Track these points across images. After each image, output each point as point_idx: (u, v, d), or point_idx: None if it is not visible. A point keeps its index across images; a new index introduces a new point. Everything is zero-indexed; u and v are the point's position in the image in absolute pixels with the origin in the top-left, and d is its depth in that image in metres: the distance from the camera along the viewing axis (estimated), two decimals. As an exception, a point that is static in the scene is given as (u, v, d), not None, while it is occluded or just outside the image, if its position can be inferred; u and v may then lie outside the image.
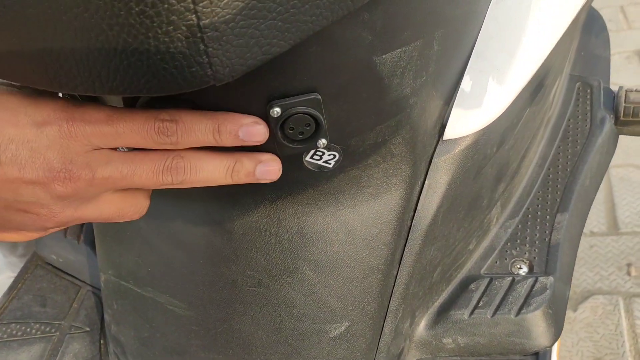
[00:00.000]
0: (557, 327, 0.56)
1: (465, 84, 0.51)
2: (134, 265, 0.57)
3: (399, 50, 0.42)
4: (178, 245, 0.53)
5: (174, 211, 0.53)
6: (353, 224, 0.50)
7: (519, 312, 0.56)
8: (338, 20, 0.35)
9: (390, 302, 0.53)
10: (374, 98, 0.43)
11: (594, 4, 0.90)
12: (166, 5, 0.29)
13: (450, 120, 0.51)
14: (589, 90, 0.73)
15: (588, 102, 0.72)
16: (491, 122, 0.51)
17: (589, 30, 0.86)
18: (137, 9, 0.30)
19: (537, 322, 0.55)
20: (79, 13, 0.31)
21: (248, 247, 0.50)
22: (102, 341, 0.67)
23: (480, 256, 0.62)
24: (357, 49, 0.40)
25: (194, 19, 0.30)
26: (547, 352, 0.56)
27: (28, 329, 0.68)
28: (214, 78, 0.33)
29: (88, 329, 0.68)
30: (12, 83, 0.40)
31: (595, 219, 1.39)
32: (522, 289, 0.57)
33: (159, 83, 0.33)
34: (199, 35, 0.31)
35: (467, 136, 0.51)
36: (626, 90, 0.72)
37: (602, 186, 1.49)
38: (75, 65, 0.33)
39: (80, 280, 0.73)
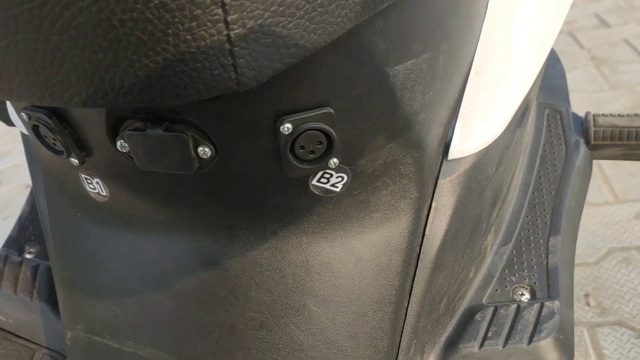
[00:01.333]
0: (569, 354, 0.54)
1: (466, 101, 0.50)
2: (110, 316, 0.50)
3: (410, 62, 0.40)
4: (165, 289, 0.47)
5: (160, 250, 0.47)
6: (362, 252, 0.46)
7: (530, 341, 0.53)
8: (359, 23, 0.33)
9: (402, 338, 0.49)
10: (386, 112, 0.41)
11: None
12: None
13: (454, 139, 0.49)
14: (558, 117, 0.75)
15: (559, 127, 0.73)
16: (493, 141, 0.50)
17: (546, 64, 0.88)
18: (156, 2, 0.26)
19: (550, 349, 0.53)
20: (84, 7, 0.27)
21: (247, 285, 0.46)
22: None
23: (479, 285, 0.60)
24: (372, 58, 0.38)
25: (221, 13, 0.27)
26: None
27: (-26, 405, 0.59)
28: (238, 83, 0.30)
29: None
30: None
31: (548, 253, 1.42)
32: (530, 316, 0.55)
33: (174, 90, 0.29)
34: (225, 32, 0.28)
35: (470, 155, 0.50)
36: (594, 115, 0.74)
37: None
38: (74, 71, 0.29)
39: (34, 342, 0.65)
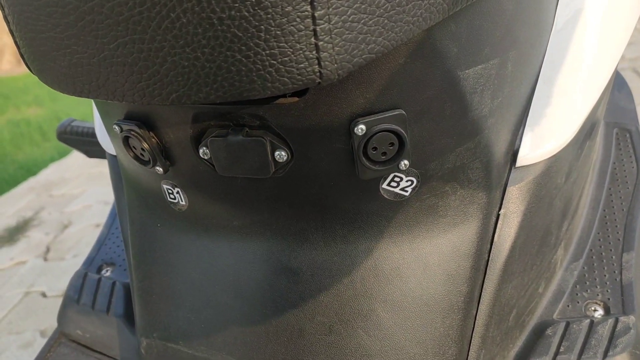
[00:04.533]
0: None
1: (535, 108, 0.50)
2: (185, 322, 0.52)
3: (480, 66, 0.41)
4: (238, 294, 0.49)
5: (234, 255, 0.49)
6: (430, 258, 0.47)
7: (605, 355, 0.51)
8: (433, 24, 0.35)
9: (471, 347, 0.49)
10: (456, 115, 0.42)
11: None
12: None
13: (522, 146, 0.49)
14: (627, 135, 0.73)
15: (629, 145, 0.72)
16: (562, 148, 0.50)
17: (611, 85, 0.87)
18: (252, 0, 0.28)
19: None
20: (189, 8, 0.29)
21: (317, 289, 0.47)
22: None
23: (549, 300, 0.58)
24: (444, 61, 0.39)
25: (309, 9, 0.29)
26: None
27: (54, 413, 0.61)
28: (321, 76, 0.31)
29: None
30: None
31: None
32: (604, 331, 0.53)
33: (262, 83, 0.31)
34: (311, 27, 0.30)
35: (539, 163, 0.50)
36: (665, 133, 0.72)
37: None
38: (173, 69, 0.31)
39: (109, 357, 0.67)
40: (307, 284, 0.47)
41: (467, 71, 0.40)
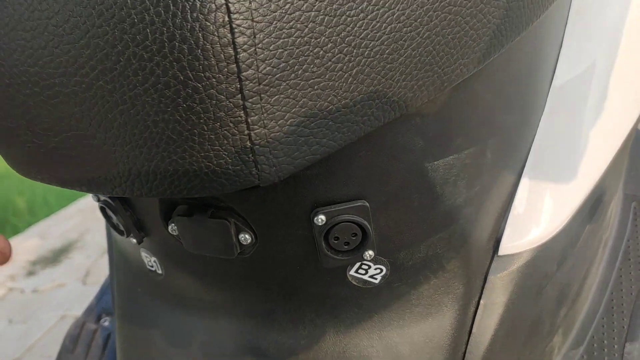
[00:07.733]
0: None
1: (520, 196, 0.48)
2: None
3: (451, 157, 0.40)
4: None
5: (205, 331, 0.48)
6: (401, 348, 0.45)
7: None
8: (389, 123, 0.34)
9: None
10: (425, 207, 0.40)
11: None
12: (215, 102, 0.28)
13: (506, 234, 0.47)
14: None
15: None
16: (550, 237, 0.48)
17: (637, 150, 0.83)
18: (184, 105, 0.28)
19: None
20: (124, 110, 0.29)
21: None
22: None
23: None
24: (409, 154, 0.38)
25: (242, 115, 0.29)
26: None
27: None
28: (260, 178, 0.31)
29: None
30: None
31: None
32: None
33: (200, 183, 0.31)
34: (246, 132, 0.29)
35: (524, 252, 0.47)
36: (687, 210, 0.68)
37: None
38: (114, 165, 0.32)
39: None
40: None
41: (435, 162, 0.39)
